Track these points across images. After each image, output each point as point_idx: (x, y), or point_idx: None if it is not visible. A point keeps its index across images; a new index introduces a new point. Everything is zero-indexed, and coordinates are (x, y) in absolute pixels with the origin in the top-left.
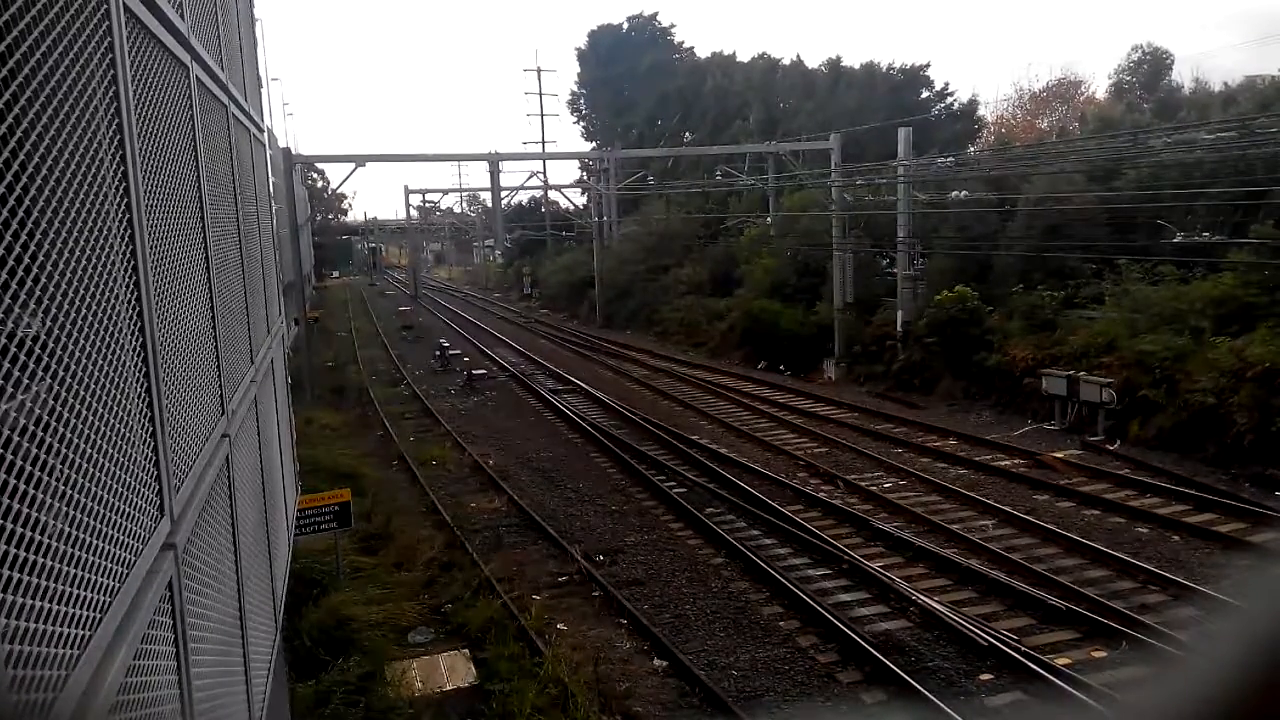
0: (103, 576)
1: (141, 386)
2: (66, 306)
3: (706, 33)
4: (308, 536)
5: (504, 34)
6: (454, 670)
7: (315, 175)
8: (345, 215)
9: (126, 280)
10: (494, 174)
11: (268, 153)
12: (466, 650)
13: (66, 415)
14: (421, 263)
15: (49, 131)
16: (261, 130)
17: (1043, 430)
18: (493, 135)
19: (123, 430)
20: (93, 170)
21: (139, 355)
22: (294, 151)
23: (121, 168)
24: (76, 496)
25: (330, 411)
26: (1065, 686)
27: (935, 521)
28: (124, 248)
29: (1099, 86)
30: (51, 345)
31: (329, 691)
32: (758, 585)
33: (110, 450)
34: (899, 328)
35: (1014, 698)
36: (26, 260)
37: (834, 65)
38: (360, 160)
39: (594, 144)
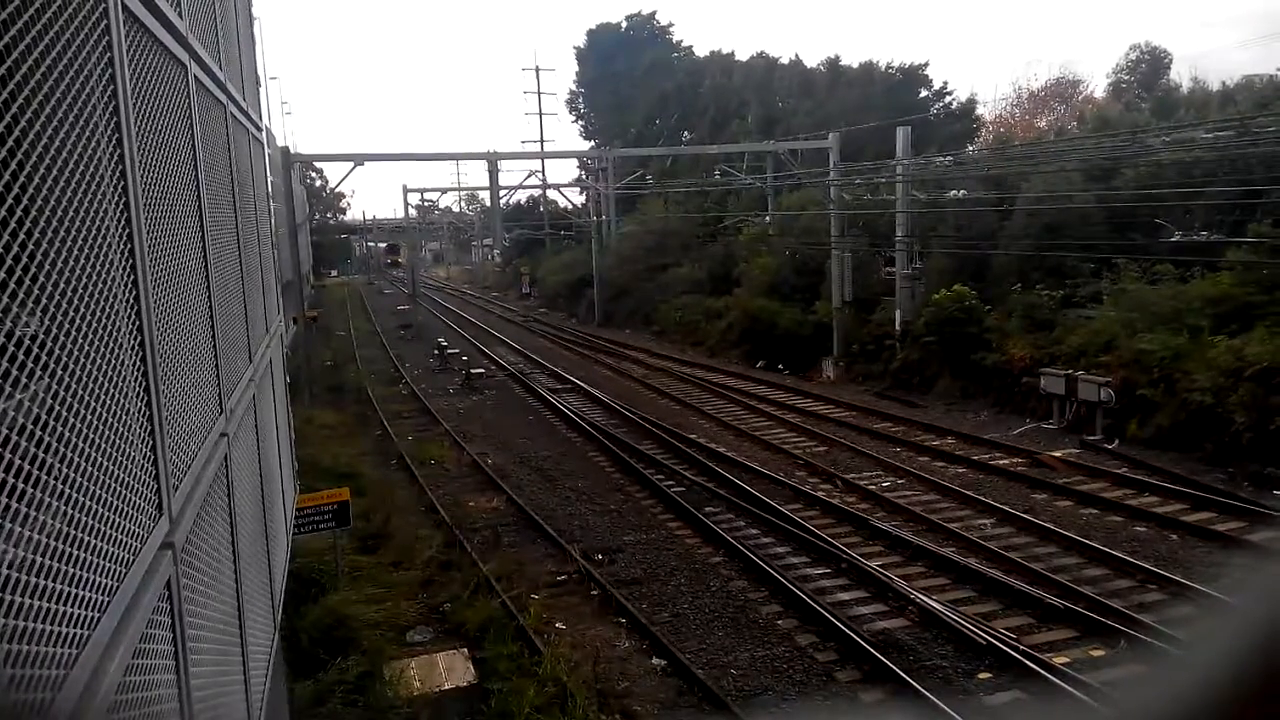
0: (101, 576)
1: (140, 385)
2: (65, 305)
3: (705, 32)
4: (306, 535)
5: (503, 33)
6: (452, 669)
7: (314, 174)
8: (344, 214)
9: (125, 279)
10: (492, 173)
11: (266, 152)
12: (465, 649)
13: (65, 414)
14: (420, 262)
15: (47, 130)
16: (260, 129)
17: (1041, 429)
18: (491, 134)
19: (121, 429)
20: (91, 169)
21: (137, 354)
22: (292, 150)
23: (120, 167)
24: (75, 495)
25: (329, 411)
26: (1064, 685)
27: (934, 520)
28: (122, 247)
29: (1097, 86)
30: (50, 344)
31: (328, 690)
32: (756, 584)
33: (109, 449)
34: (897, 327)
35: (1012, 696)
36: (25, 259)
37: (832, 64)
38: (359, 159)
39: (592, 143)
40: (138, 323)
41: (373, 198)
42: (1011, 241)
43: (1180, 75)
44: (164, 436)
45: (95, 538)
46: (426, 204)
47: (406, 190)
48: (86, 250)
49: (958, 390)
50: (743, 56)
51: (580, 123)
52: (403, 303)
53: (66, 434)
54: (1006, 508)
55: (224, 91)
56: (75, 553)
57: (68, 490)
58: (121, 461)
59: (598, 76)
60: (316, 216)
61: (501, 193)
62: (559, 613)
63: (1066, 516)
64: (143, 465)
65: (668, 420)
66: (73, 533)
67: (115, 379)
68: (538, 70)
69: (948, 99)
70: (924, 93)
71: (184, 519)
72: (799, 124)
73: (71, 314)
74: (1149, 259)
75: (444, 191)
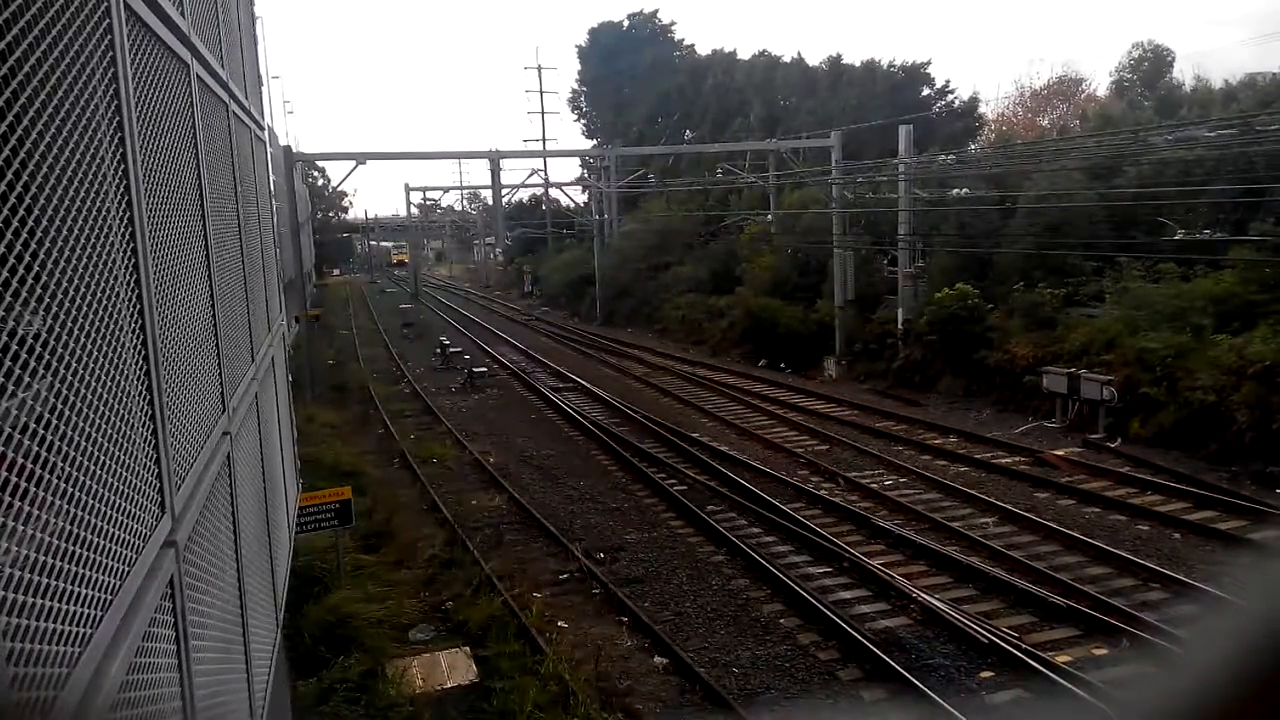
0: (104, 574)
1: (142, 384)
2: (67, 304)
3: (707, 30)
4: (309, 534)
5: (505, 31)
6: (455, 668)
7: (316, 173)
8: (346, 213)
9: (127, 278)
10: (494, 171)
11: (268, 150)
12: (467, 648)
13: (68, 413)
14: (422, 260)
15: (49, 130)
16: (262, 128)
17: (1043, 428)
18: (493, 133)
19: (124, 428)
20: (93, 168)
21: (140, 353)
22: (294, 149)
23: (122, 166)
24: (78, 493)
25: (331, 409)
26: (1066, 684)
27: (936, 519)
28: (125, 246)
29: (1100, 84)
30: (53, 343)
31: (330, 689)
32: (758, 583)
33: (111, 448)
34: (900, 325)
35: (1014, 695)
36: (28, 258)
37: (835, 63)
38: (361, 158)
39: (595, 142)
40: (140, 321)
41: (375, 196)
42: (1014, 240)
43: (1183, 73)
44: (166, 434)
45: (98, 536)
46: (429, 203)
47: (409, 189)
48: (89, 249)
49: (960, 389)
50: (745, 55)
51: (582, 121)
52: (405, 301)
53: (69, 432)
54: (1009, 506)
55: (226, 90)
56: (78, 551)
57: (70, 488)
58: (124, 459)
59: (600, 75)
60: (319, 215)
61: (504, 191)
62: (561, 611)
63: (1069, 515)
64: (145, 463)
65: (670, 419)
66: (76, 531)
67: (118, 377)
68: (540, 69)
69: (950, 97)
70: (926, 91)
71: (186, 517)
72: (801, 123)
73: (74, 312)
74: (1151, 257)
75: (446, 190)
